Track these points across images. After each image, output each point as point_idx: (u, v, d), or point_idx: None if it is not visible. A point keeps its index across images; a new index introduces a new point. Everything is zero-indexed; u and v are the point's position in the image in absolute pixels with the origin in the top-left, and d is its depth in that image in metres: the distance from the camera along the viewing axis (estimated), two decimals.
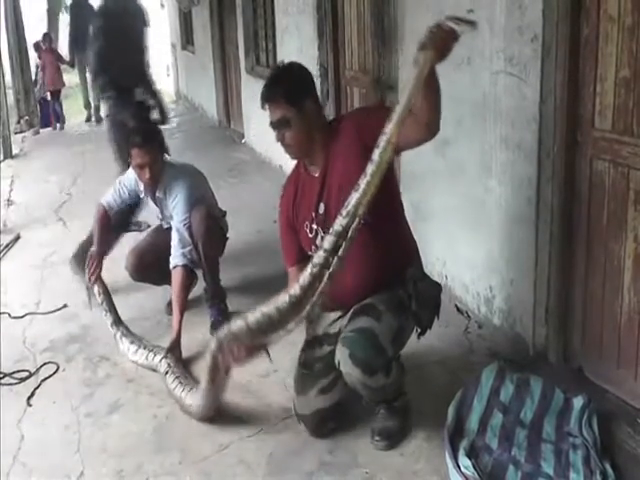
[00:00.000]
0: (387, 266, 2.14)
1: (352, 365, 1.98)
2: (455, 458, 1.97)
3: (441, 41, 1.68)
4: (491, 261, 2.81)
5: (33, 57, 9.30)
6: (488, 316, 2.87)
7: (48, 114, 9.14)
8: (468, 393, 2.23)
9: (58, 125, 9.02)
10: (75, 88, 11.15)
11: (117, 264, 3.24)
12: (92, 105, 9.54)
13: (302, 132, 2.09)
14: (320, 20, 4.40)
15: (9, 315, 3.35)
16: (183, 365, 2.71)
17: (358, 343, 1.99)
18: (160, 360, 2.69)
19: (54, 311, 3.37)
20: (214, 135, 7.37)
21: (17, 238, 4.57)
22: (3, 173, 6.18)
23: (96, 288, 3.11)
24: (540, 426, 2.14)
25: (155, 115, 4.30)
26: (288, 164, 5.47)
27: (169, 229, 3.08)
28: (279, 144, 2.15)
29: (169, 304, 3.26)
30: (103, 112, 9.57)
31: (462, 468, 1.93)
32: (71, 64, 9.57)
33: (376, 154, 1.75)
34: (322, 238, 2.07)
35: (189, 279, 3.02)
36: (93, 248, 3.13)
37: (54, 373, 2.79)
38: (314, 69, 4.40)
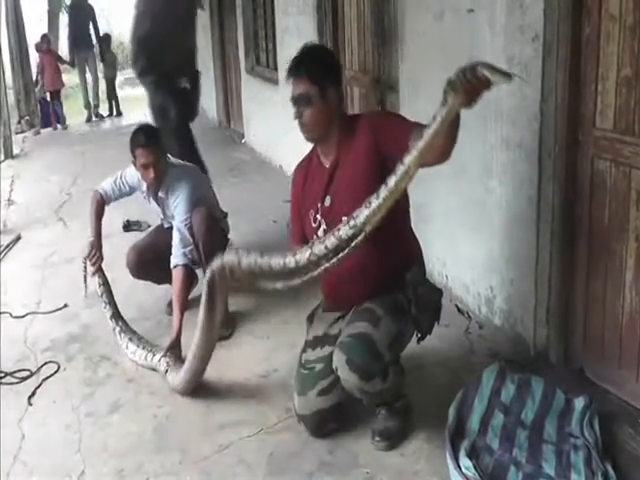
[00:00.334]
0: (388, 270, 2.13)
1: (349, 371, 1.98)
2: (456, 459, 1.97)
3: (473, 89, 1.56)
4: (492, 261, 2.80)
5: (34, 57, 9.31)
6: (489, 316, 2.87)
7: (48, 114, 9.15)
8: (469, 393, 2.23)
9: (59, 125, 9.02)
10: (75, 88, 11.14)
11: (117, 265, 3.23)
12: (92, 105, 9.56)
13: (321, 113, 2.09)
14: (320, 20, 4.40)
15: (10, 315, 3.35)
16: (182, 363, 2.70)
17: (355, 349, 1.99)
18: (159, 359, 2.69)
19: (55, 311, 3.37)
20: (214, 135, 7.37)
21: (18, 238, 4.57)
22: (4, 173, 6.18)
23: (96, 279, 3.08)
24: (541, 427, 2.13)
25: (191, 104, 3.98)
26: (288, 164, 5.46)
27: (170, 228, 3.07)
28: (296, 122, 2.14)
29: (169, 304, 3.26)
30: (102, 110, 9.65)
31: (463, 469, 1.93)
32: (71, 64, 9.59)
33: (392, 181, 1.72)
34: (324, 231, 2.08)
35: (190, 279, 3.02)
36: (91, 238, 3.08)
37: (55, 373, 2.79)
38: None
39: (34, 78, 9.19)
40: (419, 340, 2.23)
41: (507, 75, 1.52)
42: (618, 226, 2.23)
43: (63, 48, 11.30)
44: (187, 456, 2.22)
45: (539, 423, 2.14)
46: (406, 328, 2.14)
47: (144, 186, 3.09)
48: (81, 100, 9.70)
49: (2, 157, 7.21)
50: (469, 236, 2.94)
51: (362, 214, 1.76)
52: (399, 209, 2.16)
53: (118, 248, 3.40)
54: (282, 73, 5.30)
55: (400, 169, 1.70)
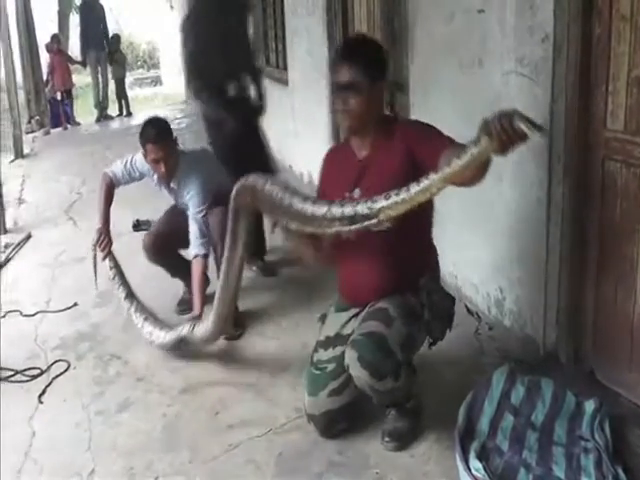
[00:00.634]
0: (403, 273, 2.14)
1: (360, 368, 1.98)
2: (465, 460, 1.96)
3: (508, 139, 1.54)
4: (501, 262, 2.79)
5: (44, 58, 9.37)
6: (498, 317, 2.86)
7: (58, 114, 9.20)
8: (479, 395, 2.22)
9: (69, 125, 9.07)
10: (85, 88, 11.21)
11: (127, 264, 3.24)
12: (101, 106, 9.60)
13: (365, 103, 2.08)
14: (330, 22, 4.41)
15: (20, 313, 3.38)
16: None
17: (367, 346, 1.99)
18: (183, 329, 2.71)
19: (65, 309, 3.39)
20: None
21: (28, 237, 4.61)
22: (14, 172, 6.22)
23: (107, 262, 3.05)
24: (551, 429, 2.12)
25: (253, 103, 3.79)
26: (298, 164, 5.44)
27: (184, 211, 3.02)
28: (337, 109, 2.14)
29: (179, 303, 3.27)
30: (112, 111, 9.69)
31: (472, 470, 1.92)
32: (83, 64, 9.64)
33: (412, 189, 1.73)
34: (349, 197, 2.10)
35: (208, 268, 2.99)
36: (98, 225, 3.04)
37: (65, 371, 2.81)
38: (324, 70, 4.40)
39: (44, 78, 9.26)
40: (431, 345, 2.23)
41: (541, 129, 1.51)
42: (629, 227, 2.22)
43: (73, 48, 11.37)
44: (196, 455, 2.23)
45: (549, 425, 2.13)
46: (418, 332, 2.15)
47: (155, 175, 3.03)
48: (91, 100, 9.75)
49: (13, 157, 7.26)
50: (479, 237, 2.94)
51: (379, 202, 1.79)
52: (424, 217, 2.21)
53: (128, 247, 3.42)
54: (292, 73, 5.32)
55: (423, 182, 1.71)
